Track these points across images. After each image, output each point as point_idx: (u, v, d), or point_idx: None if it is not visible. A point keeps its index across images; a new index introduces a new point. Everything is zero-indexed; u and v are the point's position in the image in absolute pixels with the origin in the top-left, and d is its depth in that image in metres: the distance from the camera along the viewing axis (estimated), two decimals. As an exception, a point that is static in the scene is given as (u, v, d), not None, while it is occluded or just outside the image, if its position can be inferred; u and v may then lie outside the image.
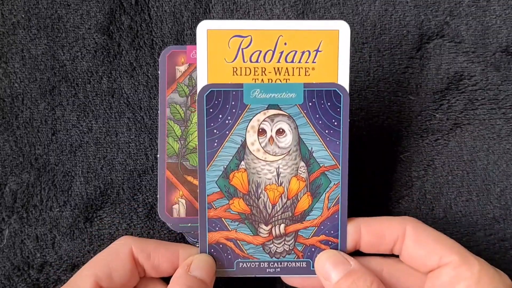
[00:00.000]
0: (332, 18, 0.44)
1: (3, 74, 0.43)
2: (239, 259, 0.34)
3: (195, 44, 0.44)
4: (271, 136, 0.31)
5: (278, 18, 0.44)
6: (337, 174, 0.33)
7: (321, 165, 0.32)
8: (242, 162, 0.31)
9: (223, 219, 0.33)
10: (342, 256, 0.34)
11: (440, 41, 0.44)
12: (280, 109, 0.31)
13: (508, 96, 0.44)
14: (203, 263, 0.35)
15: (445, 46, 0.44)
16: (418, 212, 0.42)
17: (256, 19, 0.44)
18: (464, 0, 0.45)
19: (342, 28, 0.34)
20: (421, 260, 0.35)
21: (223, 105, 0.29)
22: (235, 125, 0.30)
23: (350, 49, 0.40)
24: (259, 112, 0.30)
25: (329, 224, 0.34)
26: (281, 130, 0.31)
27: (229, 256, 0.34)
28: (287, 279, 0.36)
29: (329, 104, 0.31)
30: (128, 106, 0.43)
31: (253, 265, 0.34)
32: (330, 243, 0.34)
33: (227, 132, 0.30)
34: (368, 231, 0.35)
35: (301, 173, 0.32)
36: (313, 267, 0.34)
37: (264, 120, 0.31)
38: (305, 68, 0.34)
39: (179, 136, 0.40)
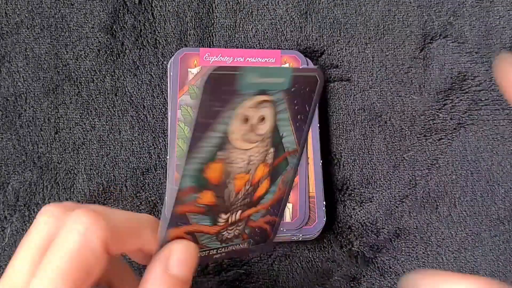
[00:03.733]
0: (335, 18, 0.45)
1: (7, 73, 0.43)
2: None
3: (202, 46, 0.44)
4: (252, 124, 0.29)
5: (282, 19, 0.45)
6: (295, 158, 0.32)
7: (285, 150, 0.31)
8: (220, 153, 0.29)
9: (187, 214, 0.31)
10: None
11: (444, 41, 0.44)
12: (267, 94, 0.29)
13: (512, 96, 0.44)
14: (184, 255, 0.29)
15: (448, 46, 0.44)
16: (422, 210, 0.42)
17: (259, 19, 0.45)
18: (468, 0, 0.45)
19: None
20: None
21: (214, 91, 0.27)
22: (223, 113, 0.28)
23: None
24: (247, 99, 0.28)
25: (276, 204, 0.33)
26: (262, 117, 0.30)
27: None
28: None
29: (307, 89, 0.30)
30: (131, 104, 0.43)
31: (203, 253, 0.33)
32: (271, 222, 0.33)
33: (212, 121, 0.28)
34: None
35: (268, 159, 0.31)
36: (253, 244, 0.33)
37: (249, 107, 0.28)
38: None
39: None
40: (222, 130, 0.28)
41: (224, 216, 0.31)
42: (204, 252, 0.32)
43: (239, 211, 0.31)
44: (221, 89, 0.26)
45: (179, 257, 0.28)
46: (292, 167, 0.32)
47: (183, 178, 0.28)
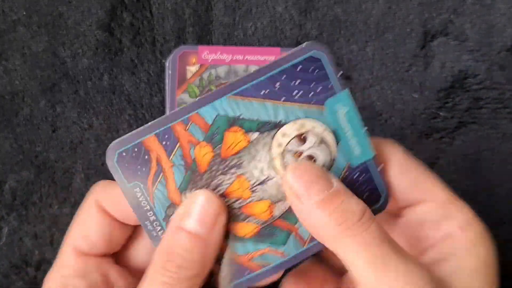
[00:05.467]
0: (335, 16, 0.44)
1: (4, 71, 0.43)
2: None
3: (201, 43, 0.44)
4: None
5: (281, 16, 0.44)
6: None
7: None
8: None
9: None
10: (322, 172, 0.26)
11: (444, 39, 0.44)
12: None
13: (514, 95, 0.43)
14: (204, 209, 0.26)
15: (449, 44, 0.44)
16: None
17: (259, 17, 0.44)
18: (469, -2, 0.45)
19: None
20: (403, 194, 0.29)
21: None
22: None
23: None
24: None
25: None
26: None
27: None
28: None
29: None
30: (129, 103, 0.43)
31: None
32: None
33: None
34: None
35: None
36: None
37: None
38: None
39: None
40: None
41: None
42: None
43: None
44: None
45: (197, 210, 0.26)
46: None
47: None
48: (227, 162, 0.27)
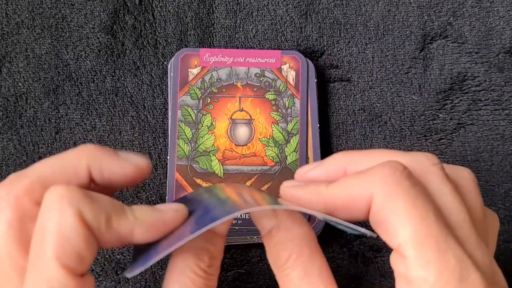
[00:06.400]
0: (335, 19, 0.45)
1: (7, 73, 0.43)
2: None
3: (202, 46, 0.44)
4: None
5: (282, 19, 0.45)
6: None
7: None
8: None
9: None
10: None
11: (444, 41, 0.44)
12: None
13: (512, 96, 0.44)
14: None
15: (448, 46, 0.44)
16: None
17: (260, 19, 0.45)
18: (468, 1, 0.45)
19: None
20: (384, 236, 0.25)
21: None
22: None
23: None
24: None
25: None
26: None
27: None
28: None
29: None
30: (132, 104, 0.43)
31: None
32: None
33: None
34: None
35: None
36: None
37: None
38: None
39: (189, 139, 0.41)
40: None
41: None
42: None
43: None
44: None
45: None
46: None
47: None
48: None
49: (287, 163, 0.41)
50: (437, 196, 0.25)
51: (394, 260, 0.24)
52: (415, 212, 0.23)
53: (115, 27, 0.44)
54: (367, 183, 0.25)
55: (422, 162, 0.26)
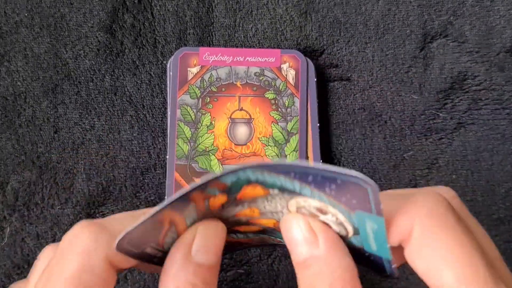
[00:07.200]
0: (335, 18, 0.44)
1: (6, 72, 0.43)
2: None
3: (202, 45, 0.44)
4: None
5: (281, 18, 0.44)
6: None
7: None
8: None
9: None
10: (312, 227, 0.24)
11: (444, 40, 0.44)
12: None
13: (513, 96, 0.44)
14: (209, 239, 0.24)
15: (448, 46, 0.44)
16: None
17: (259, 18, 0.44)
18: (468, 0, 0.45)
19: None
20: (424, 275, 0.23)
21: None
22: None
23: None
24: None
25: None
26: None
27: None
28: None
29: None
30: (131, 104, 0.43)
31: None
32: None
33: None
34: None
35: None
36: None
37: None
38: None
39: (189, 138, 0.40)
40: None
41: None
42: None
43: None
44: None
45: (203, 242, 0.24)
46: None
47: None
48: (241, 201, 0.24)
49: (287, 163, 0.41)
50: (473, 232, 0.23)
51: None
52: (462, 251, 0.22)
53: (114, 26, 0.44)
54: (409, 214, 0.23)
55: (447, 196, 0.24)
